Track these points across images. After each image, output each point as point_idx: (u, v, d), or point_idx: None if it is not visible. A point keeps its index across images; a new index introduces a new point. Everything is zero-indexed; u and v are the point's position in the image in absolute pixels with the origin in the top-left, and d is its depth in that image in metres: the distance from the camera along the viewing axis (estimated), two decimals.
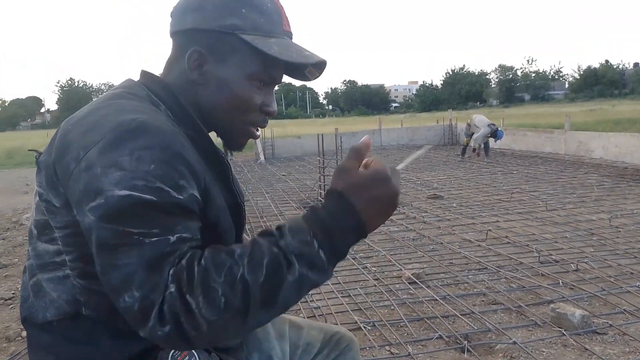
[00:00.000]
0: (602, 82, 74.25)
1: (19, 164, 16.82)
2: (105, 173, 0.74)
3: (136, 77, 0.98)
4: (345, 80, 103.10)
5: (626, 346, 2.65)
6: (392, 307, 3.29)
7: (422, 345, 2.77)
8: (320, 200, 7.75)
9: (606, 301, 3.23)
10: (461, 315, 3.10)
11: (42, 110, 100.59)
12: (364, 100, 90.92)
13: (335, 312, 3.23)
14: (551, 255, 4.22)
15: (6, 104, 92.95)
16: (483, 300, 3.38)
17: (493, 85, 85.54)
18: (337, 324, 2.86)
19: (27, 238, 0.96)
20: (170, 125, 0.83)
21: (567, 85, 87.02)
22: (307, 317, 3.03)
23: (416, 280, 3.70)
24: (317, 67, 0.97)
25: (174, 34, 0.95)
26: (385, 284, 3.72)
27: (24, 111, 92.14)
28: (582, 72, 79.42)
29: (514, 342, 2.70)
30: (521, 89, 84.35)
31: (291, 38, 0.96)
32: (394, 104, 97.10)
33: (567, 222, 5.39)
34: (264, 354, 1.11)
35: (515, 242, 4.68)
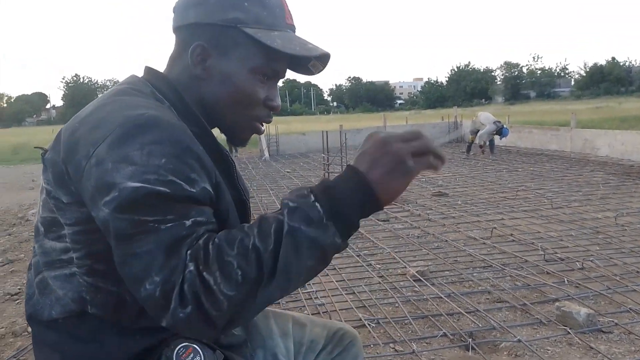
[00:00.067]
0: (608, 80, 73.82)
1: (25, 159, 16.90)
2: (116, 168, 0.74)
3: (139, 74, 0.98)
4: (349, 77, 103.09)
5: (632, 345, 2.64)
6: (397, 305, 3.29)
7: (426, 343, 2.77)
8: None
9: (612, 300, 3.22)
10: (466, 313, 3.09)
11: (48, 106, 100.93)
12: (369, 97, 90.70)
13: (339, 310, 3.23)
14: (556, 253, 4.20)
15: (12, 100, 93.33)
16: (488, 298, 3.37)
17: (498, 82, 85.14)
18: (341, 321, 2.86)
19: (33, 234, 0.96)
20: (178, 120, 0.83)
21: (573, 83, 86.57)
22: (312, 314, 3.04)
23: (421, 278, 3.70)
24: (320, 60, 0.97)
25: (177, 29, 0.94)
26: (389, 282, 3.72)
27: (29, 107, 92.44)
28: (588, 69, 78.97)
29: (519, 340, 2.69)
30: (527, 86, 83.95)
31: (294, 31, 0.96)
32: (399, 101, 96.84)
33: (573, 220, 5.36)
34: (268, 351, 1.11)
35: (521, 240, 4.66)
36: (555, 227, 5.13)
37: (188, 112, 0.91)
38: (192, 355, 0.91)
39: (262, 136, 14.65)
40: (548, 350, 2.63)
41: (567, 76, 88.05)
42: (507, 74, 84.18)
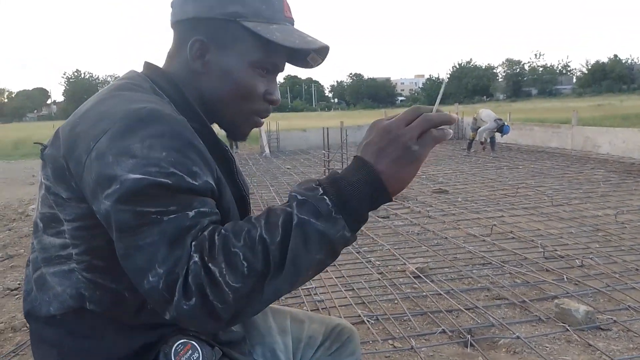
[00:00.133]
0: (610, 77, 73.70)
1: (25, 155, 16.90)
2: (117, 161, 0.74)
3: (139, 70, 0.97)
4: (351, 74, 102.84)
5: (630, 342, 2.65)
6: (396, 301, 3.29)
7: (425, 340, 2.77)
8: None
9: (611, 297, 3.22)
10: (465, 309, 3.10)
11: (49, 101, 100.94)
12: (370, 93, 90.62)
13: (338, 306, 3.23)
14: (556, 250, 4.20)
15: (13, 95, 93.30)
16: (487, 295, 3.37)
17: (500, 80, 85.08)
18: (340, 318, 2.87)
19: (32, 230, 0.96)
20: (178, 115, 0.83)
21: (574, 80, 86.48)
22: (311, 310, 3.04)
23: (420, 275, 3.70)
24: (319, 53, 0.97)
25: (175, 24, 0.94)
26: (389, 278, 3.73)
27: (30, 102, 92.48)
28: (590, 67, 78.86)
29: (518, 337, 2.70)
30: (528, 83, 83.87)
31: (293, 24, 0.96)
32: (400, 98, 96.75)
33: (573, 217, 5.36)
34: (266, 348, 1.12)
35: (520, 238, 4.66)
36: (555, 224, 5.13)
37: (187, 108, 0.91)
38: (190, 351, 0.91)
39: (263, 132, 14.65)
40: (547, 347, 2.64)
41: (569, 73, 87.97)
42: (508, 71, 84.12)
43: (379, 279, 3.71)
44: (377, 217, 5.65)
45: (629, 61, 79.43)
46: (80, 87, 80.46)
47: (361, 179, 0.74)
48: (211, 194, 0.80)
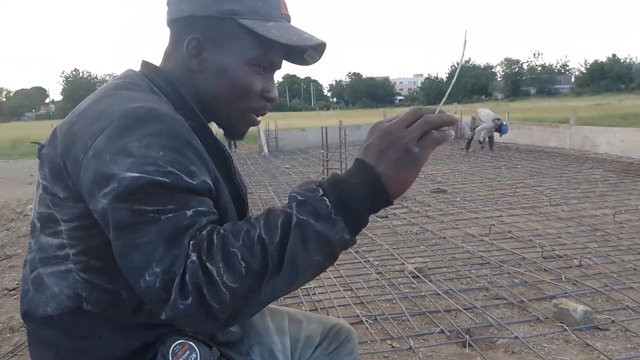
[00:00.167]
0: (608, 77, 73.79)
1: (24, 154, 16.88)
2: (114, 160, 0.73)
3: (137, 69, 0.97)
4: (350, 73, 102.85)
5: (628, 342, 2.65)
6: (394, 301, 3.29)
7: (423, 339, 2.78)
8: None
9: (609, 297, 3.23)
10: (463, 309, 3.10)
11: (47, 100, 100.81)
12: (369, 93, 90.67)
13: (337, 306, 3.23)
14: (554, 250, 4.21)
15: (11, 95, 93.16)
16: (485, 295, 3.38)
17: (499, 79, 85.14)
18: (339, 317, 2.87)
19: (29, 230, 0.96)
20: (176, 114, 0.83)
21: (573, 79, 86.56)
22: (310, 310, 3.04)
23: (418, 275, 3.71)
24: (316, 50, 0.96)
25: (171, 22, 0.94)
26: (387, 278, 3.73)
27: (28, 102, 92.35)
28: (588, 66, 78.95)
29: (516, 337, 2.70)
30: (527, 82, 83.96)
31: (289, 21, 0.95)
32: (399, 97, 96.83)
33: (571, 217, 5.37)
34: (264, 348, 1.11)
35: (519, 237, 4.67)
36: (553, 224, 5.13)
37: (185, 107, 0.90)
38: (188, 352, 0.91)
39: (262, 132, 14.64)
40: (545, 347, 2.64)
41: (567, 73, 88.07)
42: (507, 71, 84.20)
43: (378, 279, 3.71)
44: (376, 216, 5.65)
45: (628, 60, 79.58)
46: (78, 86, 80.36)
47: (362, 181, 0.73)
48: (209, 194, 0.80)
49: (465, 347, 2.65)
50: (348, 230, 0.73)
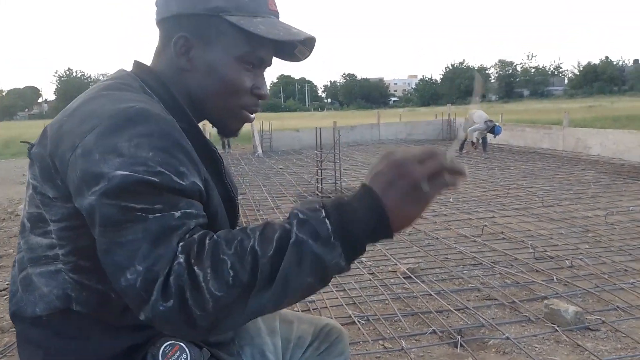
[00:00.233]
0: (601, 79, 74.36)
1: (16, 154, 16.75)
2: (104, 159, 0.73)
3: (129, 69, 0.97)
4: (344, 74, 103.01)
5: (618, 342, 2.67)
6: (387, 302, 3.30)
7: (415, 340, 2.78)
8: (317, 194, 7.66)
9: (599, 298, 3.25)
10: (455, 310, 3.11)
11: (40, 100, 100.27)
12: (363, 93, 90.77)
13: (330, 306, 3.24)
14: (546, 251, 4.23)
15: (3, 94, 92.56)
16: (477, 296, 3.39)
17: (492, 80, 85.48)
18: (331, 318, 2.87)
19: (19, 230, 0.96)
20: (167, 115, 0.83)
21: (566, 81, 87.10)
22: (302, 311, 3.04)
23: (411, 275, 3.72)
24: (306, 44, 0.96)
25: (160, 22, 0.94)
26: (380, 279, 3.73)
27: (21, 101, 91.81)
28: (581, 68, 79.48)
29: (507, 338, 2.71)
30: (521, 84, 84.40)
31: (278, 17, 0.95)
32: (393, 98, 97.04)
33: (563, 218, 5.40)
34: (256, 349, 1.11)
35: (511, 238, 4.69)
36: (545, 225, 5.16)
37: (176, 107, 0.90)
38: (178, 353, 0.91)
39: (256, 132, 14.63)
40: (536, 347, 2.66)
41: (560, 75, 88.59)
42: (501, 72, 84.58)
43: (370, 280, 3.72)
44: None
45: (620, 63, 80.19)
46: (71, 86, 79.91)
47: (366, 209, 0.72)
48: (199, 196, 0.79)
49: (457, 348, 2.66)
50: (344, 256, 0.71)
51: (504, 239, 4.70)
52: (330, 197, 0.76)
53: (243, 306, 0.70)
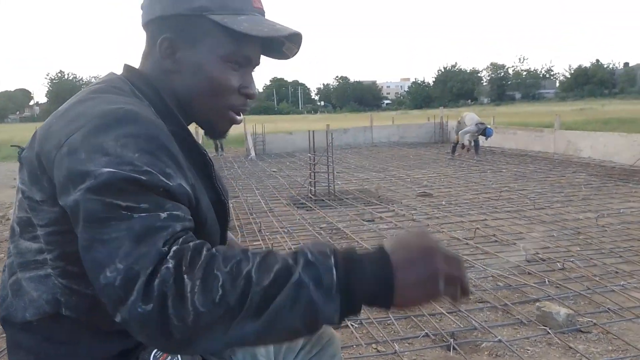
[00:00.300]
0: (592, 82, 74.95)
1: (6, 157, 16.61)
2: (90, 158, 0.72)
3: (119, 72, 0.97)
4: (337, 76, 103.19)
5: (609, 344, 2.68)
6: None
7: (408, 343, 2.79)
8: (311, 197, 7.65)
9: (591, 300, 3.27)
10: (448, 313, 3.11)
11: (31, 103, 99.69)
12: (356, 96, 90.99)
13: None
14: (538, 254, 4.25)
15: None
16: (470, 299, 3.40)
17: (484, 83, 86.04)
18: None
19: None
20: (156, 118, 0.82)
21: (557, 84, 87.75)
22: None
23: None
24: (292, 40, 0.95)
25: (145, 25, 0.94)
26: None
27: (12, 104, 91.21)
28: (572, 71, 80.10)
29: (500, 341, 2.72)
30: (512, 87, 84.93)
31: (263, 15, 0.94)
32: (386, 101, 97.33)
33: (555, 221, 5.43)
34: (247, 353, 1.11)
35: (503, 241, 4.71)
36: (537, 227, 5.19)
37: (166, 110, 0.90)
38: (169, 358, 0.90)
39: (249, 135, 14.62)
40: (528, 350, 2.67)
41: (552, 78, 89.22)
42: (493, 75, 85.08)
43: None
44: (362, 220, 5.67)
45: (611, 66, 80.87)
46: (63, 89, 79.46)
47: (375, 275, 0.69)
48: (186, 199, 0.78)
49: (450, 351, 2.67)
50: (340, 312, 0.68)
51: (495, 241, 4.72)
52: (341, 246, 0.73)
53: (224, 330, 0.66)
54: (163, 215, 0.71)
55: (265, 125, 15.58)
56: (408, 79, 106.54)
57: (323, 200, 7.04)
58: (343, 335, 2.84)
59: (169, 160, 0.77)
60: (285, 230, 5.35)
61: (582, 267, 3.89)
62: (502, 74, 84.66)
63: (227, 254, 0.69)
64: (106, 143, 0.73)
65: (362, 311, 0.71)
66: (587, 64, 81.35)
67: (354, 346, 2.75)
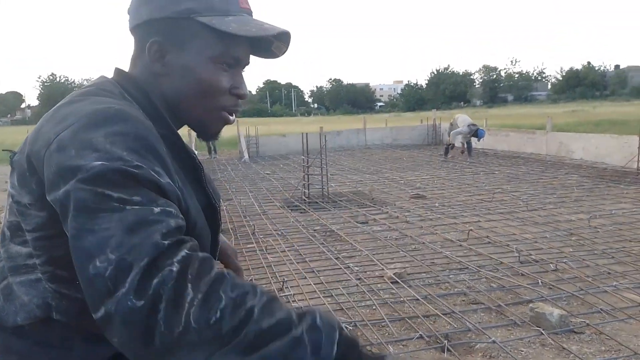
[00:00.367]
0: (584, 84, 75.43)
1: None
2: (80, 155, 0.71)
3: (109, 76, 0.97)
4: (330, 79, 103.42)
5: (602, 345, 2.70)
6: (374, 307, 3.30)
7: (403, 345, 2.79)
8: (305, 200, 7.64)
9: (584, 301, 3.28)
10: (442, 314, 3.12)
11: (23, 105, 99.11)
12: (349, 99, 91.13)
13: None
14: (531, 255, 4.27)
15: None
16: (464, 300, 3.41)
17: (477, 86, 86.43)
18: None
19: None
20: (146, 119, 0.82)
21: (549, 86, 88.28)
22: None
23: (398, 280, 3.72)
24: (281, 40, 0.95)
25: (133, 29, 0.93)
26: (367, 284, 3.74)
27: (3, 107, 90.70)
28: (564, 74, 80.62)
29: (494, 342, 2.73)
30: (505, 89, 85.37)
31: (251, 15, 0.94)
32: (379, 103, 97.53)
33: (547, 222, 5.45)
34: None
35: (496, 242, 4.72)
36: (530, 229, 5.21)
37: (156, 114, 0.89)
38: None
39: (242, 137, 14.59)
40: (522, 351, 2.67)
41: (544, 80, 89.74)
42: (485, 78, 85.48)
43: (358, 285, 3.72)
44: (356, 222, 5.67)
45: (602, 68, 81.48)
46: (55, 91, 79.05)
47: None
48: (177, 199, 0.77)
49: (444, 352, 2.67)
50: None
51: (489, 243, 4.73)
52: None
53: (205, 355, 0.62)
54: (156, 209, 0.70)
55: (259, 128, 15.56)
56: (401, 82, 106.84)
57: (317, 202, 7.04)
58: None
59: (156, 161, 0.77)
60: (279, 233, 5.34)
61: (574, 268, 3.91)
62: (495, 76, 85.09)
63: (237, 281, 0.67)
64: (95, 139, 0.73)
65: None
66: (579, 65, 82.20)
67: None
